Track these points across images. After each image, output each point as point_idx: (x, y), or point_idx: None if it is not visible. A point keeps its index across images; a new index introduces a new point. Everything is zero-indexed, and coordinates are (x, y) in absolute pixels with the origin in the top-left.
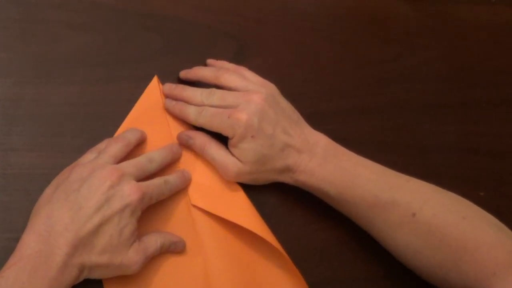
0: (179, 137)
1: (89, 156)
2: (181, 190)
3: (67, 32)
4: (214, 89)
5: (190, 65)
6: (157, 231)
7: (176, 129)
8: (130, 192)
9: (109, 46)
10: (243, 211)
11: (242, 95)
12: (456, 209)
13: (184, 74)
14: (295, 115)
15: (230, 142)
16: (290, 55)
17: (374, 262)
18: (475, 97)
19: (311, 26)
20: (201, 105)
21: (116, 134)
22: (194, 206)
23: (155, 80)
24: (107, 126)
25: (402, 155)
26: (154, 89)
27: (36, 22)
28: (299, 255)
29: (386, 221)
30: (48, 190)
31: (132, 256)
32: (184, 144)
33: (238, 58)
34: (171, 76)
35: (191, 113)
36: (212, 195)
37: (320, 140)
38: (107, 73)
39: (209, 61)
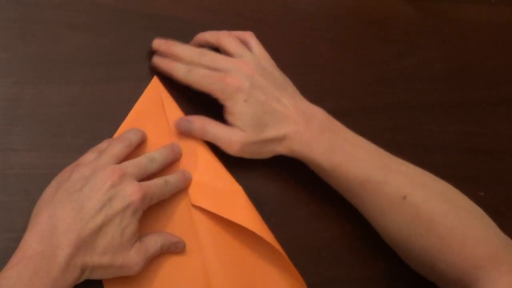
0: (177, 124)
1: (89, 156)
2: (181, 190)
3: (67, 32)
4: (205, 50)
5: None
6: (157, 231)
7: (176, 128)
8: (131, 192)
9: (109, 46)
10: (243, 211)
11: (233, 61)
12: (446, 198)
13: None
14: (290, 88)
15: (225, 109)
16: (290, 55)
17: (373, 262)
18: (475, 97)
19: (311, 26)
20: (191, 63)
21: (116, 134)
22: (194, 206)
23: (155, 80)
24: (107, 126)
25: (402, 155)
26: (154, 89)
27: (36, 22)
28: (298, 255)
29: (377, 201)
30: (49, 190)
31: (133, 257)
32: (183, 130)
33: None
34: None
35: (180, 70)
36: (212, 195)
37: (317, 113)
38: (107, 73)
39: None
